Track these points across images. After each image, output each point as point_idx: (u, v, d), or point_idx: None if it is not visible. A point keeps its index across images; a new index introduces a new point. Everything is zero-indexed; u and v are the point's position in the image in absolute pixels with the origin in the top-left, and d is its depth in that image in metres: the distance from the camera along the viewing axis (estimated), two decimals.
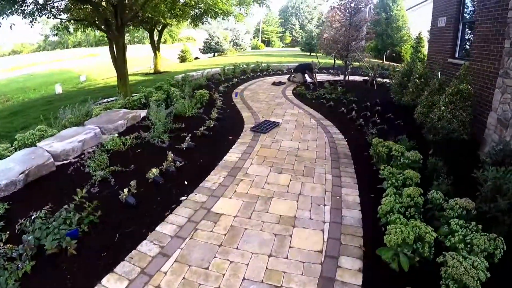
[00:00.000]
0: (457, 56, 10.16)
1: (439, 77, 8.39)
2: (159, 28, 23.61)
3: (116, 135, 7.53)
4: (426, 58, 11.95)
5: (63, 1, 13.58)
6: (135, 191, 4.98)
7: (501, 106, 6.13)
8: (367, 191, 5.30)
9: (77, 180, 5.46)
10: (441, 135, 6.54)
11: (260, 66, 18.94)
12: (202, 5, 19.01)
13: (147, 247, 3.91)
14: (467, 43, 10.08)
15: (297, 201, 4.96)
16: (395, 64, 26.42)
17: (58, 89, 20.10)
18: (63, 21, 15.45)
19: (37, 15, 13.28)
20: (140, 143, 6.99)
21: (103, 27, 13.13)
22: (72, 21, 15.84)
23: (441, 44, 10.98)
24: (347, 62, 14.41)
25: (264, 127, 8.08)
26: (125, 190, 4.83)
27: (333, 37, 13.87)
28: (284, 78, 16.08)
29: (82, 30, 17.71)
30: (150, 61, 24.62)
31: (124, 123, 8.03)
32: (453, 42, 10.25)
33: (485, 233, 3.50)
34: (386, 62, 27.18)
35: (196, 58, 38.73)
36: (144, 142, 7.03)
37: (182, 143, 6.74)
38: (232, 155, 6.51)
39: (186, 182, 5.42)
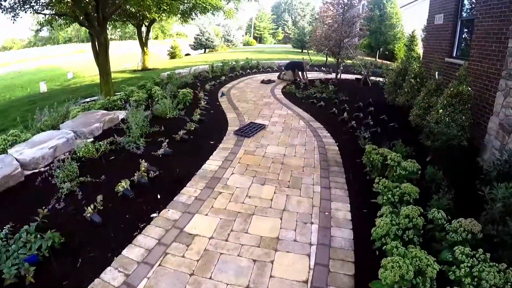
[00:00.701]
0: (454, 55, 9.69)
1: (437, 77, 7.93)
2: (147, 24, 22.84)
3: (91, 139, 7.01)
4: (421, 57, 11.39)
5: None
6: (102, 207, 4.40)
7: (504, 110, 5.65)
8: (360, 205, 4.79)
9: (44, 193, 4.90)
10: (440, 142, 6.02)
11: (250, 63, 18.36)
12: None
13: (111, 275, 3.38)
14: (466, 42, 9.61)
15: (281, 219, 4.42)
16: (388, 62, 25.99)
17: (43, 88, 19.37)
18: (46, 16, 14.76)
19: (18, 10, 12.63)
20: (114, 149, 6.40)
21: (85, 22, 12.43)
22: (55, 16, 15.14)
23: (438, 43, 10.48)
24: (339, 59, 13.85)
25: (249, 130, 7.51)
26: (91, 207, 4.26)
27: (325, 33, 13.29)
28: (274, 76, 15.53)
29: (65, 25, 16.98)
30: (143, 57, 23.84)
31: (100, 126, 7.44)
32: (451, 41, 9.76)
33: (494, 264, 2.99)
34: (379, 60, 26.73)
35: (187, 54, 37.97)
36: (118, 148, 6.43)
37: (158, 149, 6.16)
38: (212, 163, 5.94)
39: (159, 196, 4.84)
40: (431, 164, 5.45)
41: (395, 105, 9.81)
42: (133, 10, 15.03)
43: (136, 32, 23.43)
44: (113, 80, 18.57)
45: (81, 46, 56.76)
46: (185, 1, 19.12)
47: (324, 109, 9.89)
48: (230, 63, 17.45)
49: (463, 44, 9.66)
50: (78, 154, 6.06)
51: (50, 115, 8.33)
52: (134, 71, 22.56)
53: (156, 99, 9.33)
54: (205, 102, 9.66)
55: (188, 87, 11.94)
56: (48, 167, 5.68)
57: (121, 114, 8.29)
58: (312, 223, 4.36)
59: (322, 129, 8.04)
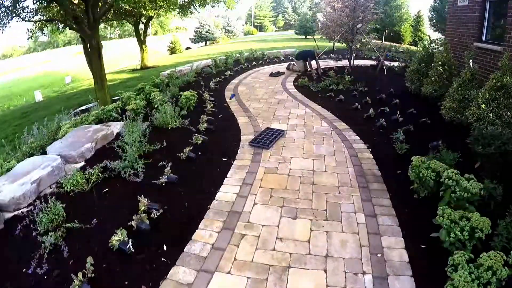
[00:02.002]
0: (484, 39, 8.45)
1: (471, 66, 6.81)
2: (145, 21, 21.50)
3: (82, 163, 5.86)
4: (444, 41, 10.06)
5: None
6: (93, 274, 3.22)
7: None
8: (415, 238, 3.70)
9: (25, 247, 3.77)
10: (494, 147, 4.81)
11: (255, 55, 17.03)
12: None
13: None
14: (499, 24, 8.34)
15: (325, 270, 3.27)
16: (396, 44, 24.58)
17: (38, 97, 18.19)
18: (37, 23, 13.51)
19: (6, 20, 11.39)
20: (108, 177, 5.20)
21: (74, 25, 11.16)
22: (45, 22, 13.88)
23: (464, 25, 9.22)
24: (353, 46, 12.50)
25: (266, 139, 6.25)
26: (79, 277, 3.09)
27: (336, 19, 11.94)
28: (282, 67, 14.21)
29: (56, 31, 15.71)
30: (142, 55, 22.49)
31: (91, 147, 6.24)
32: (480, 23, 8.53)
33: None
34: (386, 43, 25.23)
35: (188, 48, 36.60)
36: (113, 175, 5.22)
37: (161, 174, 4.94)
38: (228, 190, 4.72)
39: (165, 247, 3.66)
40: (481, 172, 4.71)
41: (421, 95, 8.67)
42: (127, 8, 13.72)
43: (134, 30, 22.05)
44: (111, 82, 17.47)
45: (80, 48, 55.36)
46: None
47: (345, 104, 8.65)
48: (234, 55, 16.14)
49: (494, 27, 8.49)
50: (65, 187, 4.89)
51: (39, 133, 7.26)
52: (134, 70, 21.32)
53: (156, 106, 8.12)
54: (212, 105, 8.40)
55: (191, 86, 10.81)
56: (31, 207, 4.51)
57: (116, 128, 7.08)
58: (364, 272, 3.24)
59: (349, 130, 6.81)
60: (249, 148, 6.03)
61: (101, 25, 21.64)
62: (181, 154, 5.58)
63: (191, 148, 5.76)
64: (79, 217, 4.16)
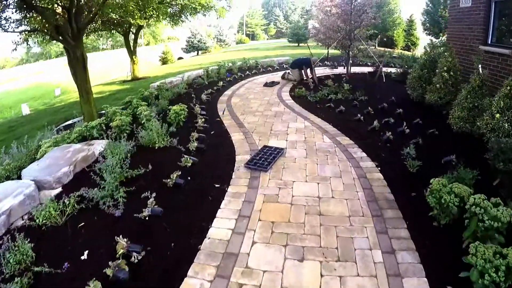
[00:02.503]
0: (490, 42, 7.91)
1: (481, 71, 6.25)
2: (134, 31, 20.81)
3: (59, 189, 5.20)
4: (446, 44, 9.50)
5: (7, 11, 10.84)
6: None
7: None
8: (440, 278, 3.11)
9: None
10: None
11: (248, 64, 16.40)
12: (180, 0, 16.49)
13: None
14: (506, 26, 7.89)
15: None
16: (389, 49, 24.12)
17: (25, 110, 17.37)
18: (21, 34, 12.79)
19: None
20: (85, 208, 4.51)
21: (59, 36, 10.47)
22: (30, 33, 13.16)
23: (467, 28, 8.67)
24: (350, 53, 11.89)
25: (263, 159, 5.55)
26: None
27: (332, 25, 11.32)
28: (277, 76, 13.56)
29: (43, 41, 14.98)
30: (132, 66, 21.70)
31: (69, 171, 5.55)
32: (485, 25, 7.98)
33: None
34: (379, 48, 24.75)
35: (180, 58, 35.89)
36: (90, 205, 4.54)
37: (144, 206, 4.25)
38: (222, 225, 4.02)
39: None
40: (501, 189, 4.28)
41: (424, 103, 8.15)
42: (113, 17, 13.05)
43: (123, 40, 21.34)
44: (100, 95, 16.78)
45: None
46: (173, 3, 17.16)
47: (346, 115, 8.02)
48: (226, 65, 15.49)
49: (501, 29, 7.95)
50: (37, 220, 4.21)
51: (18, 153, 6.66)
52: (124, 81, 20.55)
53: (142, 122, 7.45)
54: (203, 120, 7.69)
55: (181, 99, 10.16)
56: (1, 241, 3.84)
57: (98, 148, 6.38)
58: None
59: (354, 146, 6.16)
60: (245, 171, 5.33)
61: (91, 36, 20.90)
62: (168, 180, 4.88)
63: (179, 173, 5.05)
64: (50, 258, 3.55)
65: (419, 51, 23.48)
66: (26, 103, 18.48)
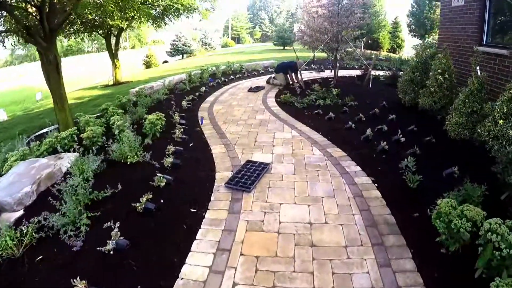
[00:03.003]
0: (485, 42, 7.46)
1: (479, 73, 5.76)
2: (116, 33, 19.99)
3: (20, 213, 4.57)
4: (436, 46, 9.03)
5: None
6: None
7: None
8: None
9: None
10: None
11: (232, 68, 15.71)
12: (162, 1, 15.76)
13: None
14: (501, 24, 7.47)
15: None
16: (375, 52, 23.73)
17: (2, 116, 16.42)
18: None
19: None
20: (45, 237, 3.81)
21: (30, 37, 9.69)
22: (3, 33, 12.29)
23: (460, 29, 8.20)
24: (338, 56, 11.31)
25: (246, 177, 4.89)
26: None
27: (319, 26, 10.72)
28: (262, 81, 12.93)
29: (18, 43, 14.09)
30: (114, 70, 20.78)
31: (31, 191, 4.85)
32: (479, 25, 7.50)
33: None
34: (365, 51, 24.37)
35: (165, 61, 35.04)
36: (51, 234, 3.84)
37: (109, 237, 3.56)
38: (198, 262, 3.36)
39: None
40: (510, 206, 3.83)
41: (417, 108, 7.67)
42: (90, 17, 12.26)
43: (105, 43, 20.48)
44: (79, 100, 15.96)
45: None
46: (155, 4, 16.41)
47: (336, 123, 7.45)
48: (210, 69, 14.81)
49: (497, 28, 7.51)
50: None
51: None
52: (106, 86, 19.73)
53: (117, 132, 6.76)
54: (182, 130, 7.00)
55: (161, 106, 9.49)
56: None
57: (65, 164, 5.68)
58: None
59: (346, 158, 5.57)
60: (225, 192, 4.67)
61: (72, 38, 19.96)
62: (138, 204, 4.20)
63: (151, 195, 4.36)
64: None
65: (405, 53, 23.19)
66: (3, 108, 17.48)
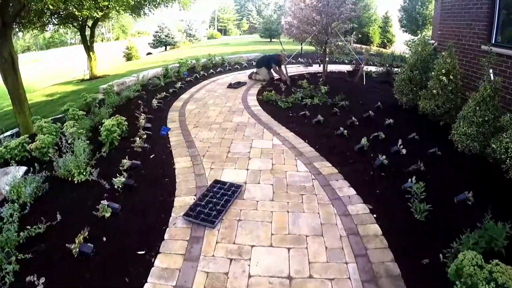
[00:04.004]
0: (494, 41, 6.47)
1: (492, 77, 4.91)
2: (91, 25, 18.58)
3: None
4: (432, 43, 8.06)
5: None
6: None
7: None
8: None
9: None
10: None
11: (213, 61, 14.54)
12: None
13: None
14: None
15: None
16: (365, 46, 22.78)
17: None
18: None
19: None
20: None
21: None
22: None
23: (464, 25, 7.24)
24: (327, 49, 10.26)
25: (212, 205, 3.83)
26: None
27: (307, 17, 9.63)
28: (244, 75, 11.81)
29: None
30: (90, 63, 19.34)
31: None
32: (488, 21, 6.51)
33: None
34: (355, 45, 23.39)
35: (149, 53, 33.53)
36: None
37: None
38: None
39: None
40: None
41: (416, 111, 6.83)
42: (51, 7, 10.99)
43: (80, 35, 19.02)
44: (51, 97, 14.66)
45: (38, 55, 51.25)
46: None
47: (325, 127, 6.44)
48: (189, 62, 13.64)
49: (509, 25, 6.48)
50: None
51: None
52: (81, 81, 18.33)
53: (70, 140, 5.67)
54: (144, 138, 5.93)
55: (129, 105, 8.45)
56: None
57: (7, 183, 4.57)
58: None
59: (338, 177, 4.54)
60: (184, 226, 3.60)
61: (34, 31, 18.45)
62: (73, 246, 3.14)
63: (93, 230, 3.32)
64: None
65: (395, 49, 22.32)
66: None
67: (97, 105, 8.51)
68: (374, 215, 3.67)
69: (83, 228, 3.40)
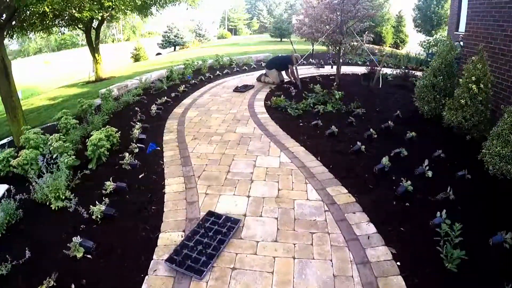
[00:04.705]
0: None
1: None
2: (96, 26, 17.97)
3: None
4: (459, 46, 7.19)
5: None
6: None
7: None
8: None
9: None
10: None
11: (221, 62, 13.84)
12: None
13: None
14: None
15: None
16: (377, 46, 21.79)
17: None
18: None
19: None
20: None
21: None
22: None
23: (495, 26, 6.39)
24: (341, 50, 9.45)
25: (202, 246, 3.11)
26: None
27: (320, 14, 8.82)
28: (252, 78, 11.10)
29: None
30: (95, 65, 18.75)
31: None
32: None
33: None
34: (367, 45, 22.45)
35: (158, 54, 32.93)
36: None
37: None
38: None
39: None
40: None
41: (441, 123, 6.06)
42: (47, 9, 10.36)
43: (85, 37, 18.42)
44: (53, 101, 14.08)
45: (49, 57, 51.19)
46: None
47: (340, 140, 5.69)
48: (195, 63, 12.97)
49: None
50: None
51: None
52: (87, 83, 17.78)
53: (54, 156, 5.02)
54: (135, 153, 5.28)
55: (127, 111, 7.89)
56: None
57: None
58: None
59: (355, 207, 3.78)
60: (165, 275, 2.87)
61: (41, 34, 17.93)
62: None
63: (57, 277, 2.65)
64: None
65: (408, 49, 21.35)
66: None
67: (93, 112, 7.88)
68: (398, 263, 2.93)
69: (50, 274, 2.75)
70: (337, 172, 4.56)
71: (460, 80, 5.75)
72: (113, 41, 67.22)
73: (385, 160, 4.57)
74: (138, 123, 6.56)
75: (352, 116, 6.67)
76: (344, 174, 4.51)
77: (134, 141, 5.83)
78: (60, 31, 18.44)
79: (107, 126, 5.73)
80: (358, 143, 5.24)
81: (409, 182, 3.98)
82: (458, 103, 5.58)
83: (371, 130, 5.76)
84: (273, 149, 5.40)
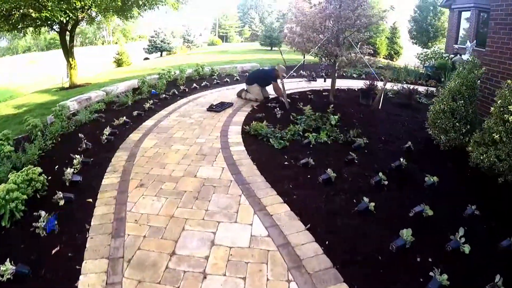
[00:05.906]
0: None
1: None
2: (69, 28, 16.29)
3: None
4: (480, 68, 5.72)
5: None
6: None
7: None
8: None
9: None
10: None
11: (201, 72, 12.21)
12: None
13: None
14: None
15: None
16: (372, 58, 20.41)
17: None
18: None
19: None
20: None
21: None
22: None
23: None
24: (337, 63, 7.93)
25: None
26: None
27: (313, 21, 7.26)
28: (233, 92, 9.43)
29: None
30: (70, 71, 17.05)
31: None
32: None
33: None
34: (367, 57, 21.14)
35: (146, 59, 31.20)
36: None
37: None
38: None
39: None
40: None
41: (463, 158, 4.68)
42: (6, 7, 8.84)
43: (60, 40, 16.74)
44: (18, 110, 12.35)
45: (37, 56, 49.27)
46: None
47: (337, 191, 4.09)
48: (173, 72, 11.39)
49: None
50: None
51: None
52: (60, 89, 16.05)
53: None
54: (59, 205, 3.71)
55: (75, 137, 6.13)
56: None
57: None
58: None
59: None
60: None
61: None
62: None
63: None
64: None
65: (402, 61, 20.15)
66: None
67: (38, 133, 6.27)
68: None
69: None
70: (336, 254, 2.98)
71: (492, 108, 4.38)
72: (103, 43, 65.47)
73: (406, 233, 3.04)
74: (78, 156, 4.95)
75: (352, 150, 5.14)
76: (347, 257, 2.94)
77: (67, 183, 4.26)
78: (36, 31, 16.81)
79: (31, 167, 4.12)
80: (365, 198, 3.69)
81: (445, 276, 2.48)
82: (489, 138, 4.19)
83: (380, 175, 4.23)
84: (243, 208, 3.75)
